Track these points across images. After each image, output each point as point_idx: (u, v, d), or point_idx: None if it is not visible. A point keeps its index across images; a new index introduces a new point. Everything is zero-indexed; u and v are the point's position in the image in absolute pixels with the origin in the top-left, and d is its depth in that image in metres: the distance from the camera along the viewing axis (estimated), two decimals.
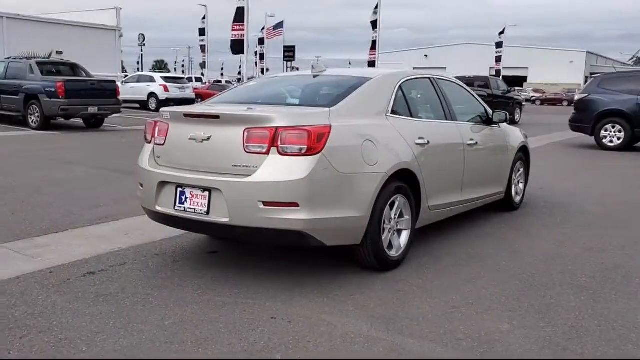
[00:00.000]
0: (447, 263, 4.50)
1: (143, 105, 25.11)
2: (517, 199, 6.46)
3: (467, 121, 5.43)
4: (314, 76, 4.80)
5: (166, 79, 25.75)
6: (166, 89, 24.44)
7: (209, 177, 3.79)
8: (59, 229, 5.31)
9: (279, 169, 3.61)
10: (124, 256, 4.53)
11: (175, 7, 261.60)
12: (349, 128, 3.89)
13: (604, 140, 13.31)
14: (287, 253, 4.59)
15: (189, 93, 25.88)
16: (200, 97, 30.36)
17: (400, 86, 4.58)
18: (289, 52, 52.54)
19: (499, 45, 53.75)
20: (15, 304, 3.54)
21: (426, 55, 78.37)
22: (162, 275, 4.10)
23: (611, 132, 13.22)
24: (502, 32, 54.66)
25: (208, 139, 3.83)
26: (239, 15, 28.06)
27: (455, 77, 6.60)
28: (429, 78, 5.18)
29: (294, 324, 3.32)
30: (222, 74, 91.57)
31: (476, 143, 5.28)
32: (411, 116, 4.61)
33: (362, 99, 4.22)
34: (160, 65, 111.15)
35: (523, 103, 35.31)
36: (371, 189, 3.90)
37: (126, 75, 33.43)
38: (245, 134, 3.71)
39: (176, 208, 3.95)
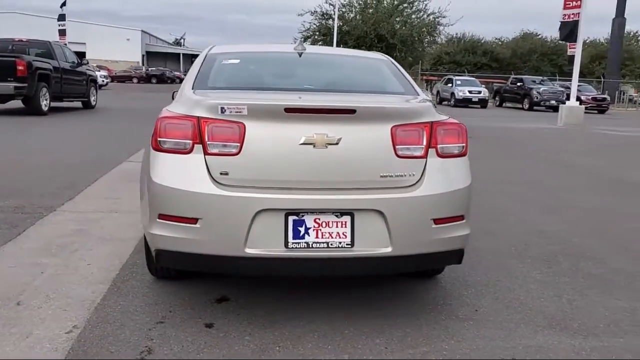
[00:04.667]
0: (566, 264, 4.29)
1: None
2: None
3: None
4: (300, 54, 3.83)
5: None
6: None
7: (348, 196, 2.72)
8: None
9: (445, 176, 2.89)
10: (120, 342, 2.83)
11: None
12: None
13: None
14: (313, 282, 3.67)
15: None
16: None
17: None
18: None
19: (61, 17, 50.45)
20: None
21: None
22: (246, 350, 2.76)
23: None
24: (64, 4, 51.46)
25: (337, 142, 2.73)
26: None
27: None
28: None
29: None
30: None
31: None
32: None
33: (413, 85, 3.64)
34: None
35: (104, 80, 32.77)
36: None
37: None
38: (395, 132, 2.80)
39: (291, 246, 2.70)
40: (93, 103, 17.75)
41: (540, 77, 35.32)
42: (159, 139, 2.79)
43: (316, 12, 37.27)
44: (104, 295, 3.33)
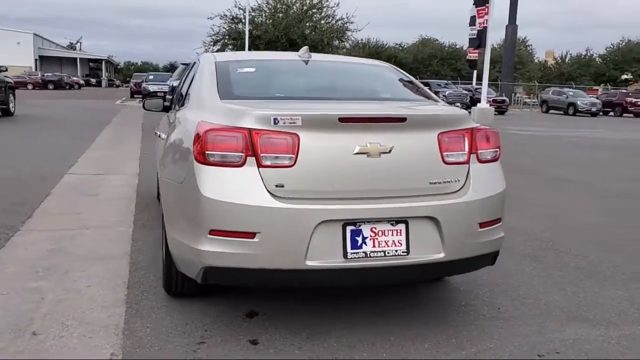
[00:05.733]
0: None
1: None
2: None
3: None
4: (306, 62, 3.81)
5: None
6: None
7: (402, 204, 2.74)
8: None
9: (486, 180, 2.99)
10: None
11: None
12: None
13: None
14: (334, 293, 3.64)
15: None
16: None
17: None
18: None
19: None
20: None
21: None
22: None
23: None
24: None
25: (389, 150, 2.74)
26: None
27: None
28: None
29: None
30: None
31: None
32: None
33: None
34: None
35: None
36: None
37: None
38: (441, 139, 2.86)
39: (350, 256, 2.67)
40: (12, 110, 16.59)
41: (445, 81, 36.98)
42: (206, 152, 2.67)
43: (225, 16, 36.79)
44: (125, 319, 3.14)
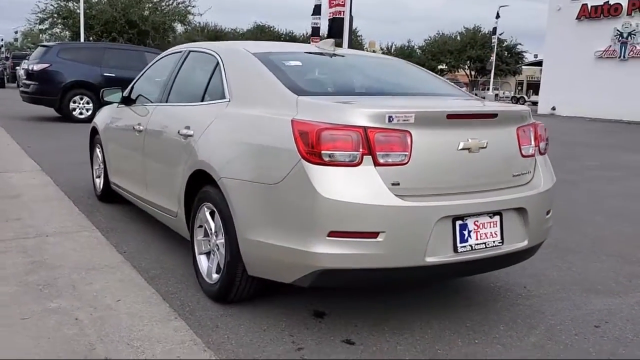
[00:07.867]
0: None
1: None
2: None
3: None
4: (333, 55, 3.74)
5: None
6: None
7: (498, 197, 2.86)
8: None
9: (547, 171, 3.23)
10: None
11: None
12: None
13: (74, 113, 12.89)
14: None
15: None
16: None
17: None
18: None
19: None
20: None
21: None
22: None
23: (80, 104, 12.94)
24: None
25: (486, 146, 2.84)
26: None
27: None
28: None
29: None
30: None
31: None
32: None
33: None
34: None
35: None
36: None
37: None
38: (519, 133, 3.04)
39: (459, 250, 2.73)
40: None
41: None
42: (322, 151, 2.54)
43: None
44: (195, 332, 2.89)
